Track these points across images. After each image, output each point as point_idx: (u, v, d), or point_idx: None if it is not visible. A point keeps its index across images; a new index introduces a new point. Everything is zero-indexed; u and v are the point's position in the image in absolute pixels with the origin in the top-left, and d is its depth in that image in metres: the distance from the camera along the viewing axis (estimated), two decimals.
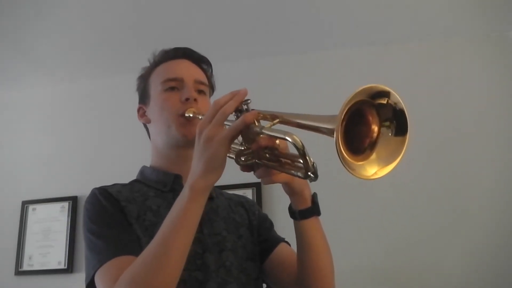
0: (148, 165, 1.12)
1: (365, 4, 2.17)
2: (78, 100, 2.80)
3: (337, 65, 2.51)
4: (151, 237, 0.79)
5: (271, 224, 1.14)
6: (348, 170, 0.65)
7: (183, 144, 1.01)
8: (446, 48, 2.43)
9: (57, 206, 2.56)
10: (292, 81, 2.54)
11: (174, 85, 1.04)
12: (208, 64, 1.14)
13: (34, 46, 2.43)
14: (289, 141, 0.71)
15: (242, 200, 1.14)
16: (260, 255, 1.04)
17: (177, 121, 1.00)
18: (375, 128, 0.70)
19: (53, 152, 2.71)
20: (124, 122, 2.68)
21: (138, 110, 1.15)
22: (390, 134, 0.70)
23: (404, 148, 0.68)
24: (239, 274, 0.95)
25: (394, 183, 2.13)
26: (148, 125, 1.13)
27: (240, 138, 0.81)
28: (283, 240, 1.09)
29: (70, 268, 2.43)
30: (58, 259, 2.46)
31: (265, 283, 1.06)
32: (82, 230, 0.94)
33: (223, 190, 1.17)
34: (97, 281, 0.84)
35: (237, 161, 0.82)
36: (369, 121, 0.70)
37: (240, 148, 0.84)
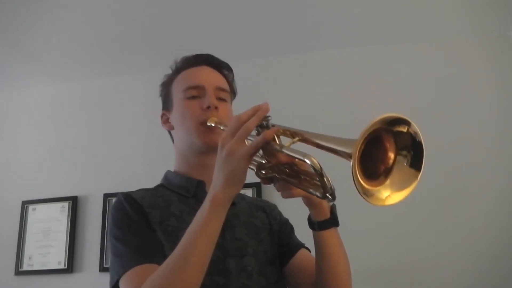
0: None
1: (365, 5, 2.17)
2: (78, 100, 2.80)
3: (337, 65, 2.51)
4: (174, 243, 0.82)
5: (291, 229, 1.16)
6: (362, 196, 0.66)
7: (205, 151, 1.03)
8: (446, 48, 2.43)
9: (57, 206, 2.56)
10: (292, 82, 2.54)
11: (195, 93, 1.06)
12: (229, 69, 1.15)
13: (34, 46, 2.43)
14: (308, 163, 0.74)
15: (263, 205, 1.16)
16: (280, 260, 1.07)
17: (198, 129, 1.02)
18: (391, 155, 0.72)
19: (53, 152, 2.71)
20: (124, 122, 2.69)
21: (161, 116, 1.16)
22: (405, 163, 0.71)
23: (417, 181, 0.71)
24: (259, 278, 0.97)
25: None
26: (171, 131, 1.15)
27: (261, 151, 0.84)
28: (303, 245, 1.11)
29: (70, 268, 2.43)
30: (58, 259, 2.47)
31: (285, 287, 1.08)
32: (107, 235, 0.97)
33: (245, 194, 1.19)
34: (121, 286, 0.87)
35: (258, 174, 0.85)
36: (386, 148, 0.72)
37: (261, 161, 0.86)
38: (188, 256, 0.78)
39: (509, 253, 2.05)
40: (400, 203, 2.25)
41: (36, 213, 2.58)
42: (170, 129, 1.14)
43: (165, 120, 1.15)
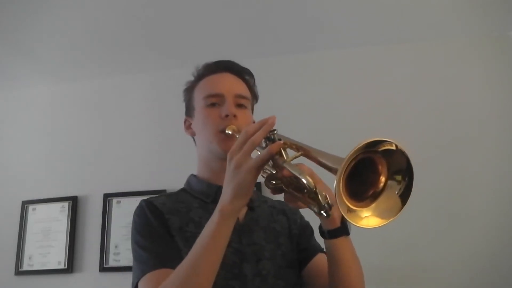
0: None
1: (365, 5, 2.16)
2: (79, 100, 2.80)
3: (337, 65, 2.51)
4: (191, 248, 0.86)
5: (311, 232, 1.17)
6: (342, 212, 0.67)
7: (225, 158, 1.05)
8: (446, 48, 2.43)
9: (57, 206, 2.56)
10: (292, 82, 2.54)
11: (215, 101, 1.09)
12: (250, 75, 1.18)
13: (34, 46, 2.43)
14: (303, 182, 0.77)
15: (284, 208, 1.18)
16: (299, 263, 1.09)
17: (217, 137, 1.05)
18: (382, 179, 0.73)
19: (53, 152, 2.72)
20: (124, 122, 2.69)
21: (185, 122, 1.20)
22: (396, 192, 0.72)
23: (398, 215, 0.71)
24: (276, 281, 1.00)
25: None
26: (194, 137, 1.18)
27: (271, 162, 0.87)
28: (321, 250, 1.12)
29: (70, 268, 2.43)
30: (58, 259, 2.47)
31: None
32: (130, 240, 1.02)
33: (268, 197, 1.21)
34: None
35: (267, 184, 0.89)
36: (378, 171, 0.73)
37: (272, 171, 0.89)
38: (197, 264, 0.82)
39: (509, 253, 2.05)
40: None
41: (36, 213, 2.58)
42: (192, 135, 1.18)
43: (188, 126, 1.18)
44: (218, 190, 1.05)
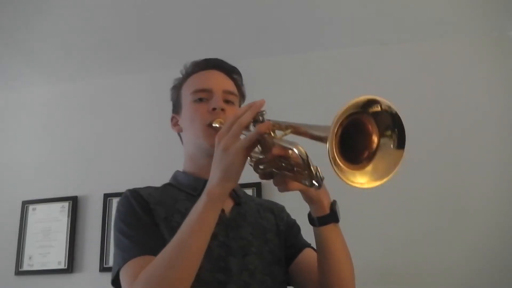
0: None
1: (365, 4, 2.17)
2: (78, 100, 2.80)
3: (336, 65, 2.50)
4: None
5: (298, 229, 1.17)
6: (336, 173, 0.66)
7: (212, 153, 1.05)
8: (446, 48, 2.43)
9: (57, 206, 2.56)
10: (291, 82, 2.54)
11: (203, 96, 1.09)
12: (238, 74, 1.18)
13: (34, 46, 2.43)
14: (295, 152, 0.75)
15: (271, 206, 1.18)
16: (286, 260, 1.08)
17: (205, 131, 1.04)
18: (375, 138, 0.72)
19: (53, 152, 2.71)
20: (125, 122, 2.69)
21: (171, 119, 1.20)
22: (392, 145, 0.71)
23: (399, 164, 0.70)
24: (264, 277, 0.98)
25: (393, 183, 2.12)
26: (180, 133, 1.18)
27: (259, 147, 0.85)
28: (308, 245, 1.11)
29: (70, 268, 2.43)
30: (58, 259, 2.46)
31: (290, 286, 1.08)
32: (113, 229, 0.99)
33: (254, 196, 1.20)
34: (121, 277, 0.90)
35: (256, 169, 0.87)
36: (369, 131, 0.72)
37: (259, 156, 0.87)
38: (183, 247, 0.80)
39: (509, 251, 2.05)
40: (399, 202, 2.26)
41: (36, 213, 2.58)
42: (179, 131, 1.17)
43: (175, 123, 1.18)
44: (205, 183, 1.02)
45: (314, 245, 1.02)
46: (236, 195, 1.09)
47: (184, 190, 1.07)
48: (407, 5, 2.17)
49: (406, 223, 2.16)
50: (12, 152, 2.78)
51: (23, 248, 2.53)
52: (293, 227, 1.16)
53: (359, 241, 2.16)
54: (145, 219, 0.96)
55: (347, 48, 2.50)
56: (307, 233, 1.00)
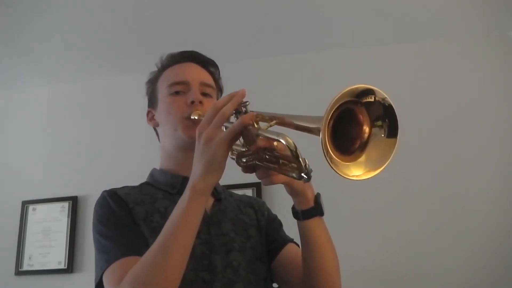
0: (156, 166, 1.13)
1: (365, 4, 2.17)
2: (78, 100, 2.80)
3: (336, 65, 2.50)
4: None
5: (279, 225, 1.14)
6: (331, 167, 0.64)
7: (190, 146, 1.01)
8: (446, 48, 2.43)
9: (57, 206, 2.56)
10: (291, 82, 2.54)
11: (180, 89, 1.06)
12: (215, 66, 1.15)
13: (33, 46, 2.43)
14: (283, 143, 0.72)
15: (251, 201, 1.15)
16: (268, 256, 1.05)
17: (183, 123, 1.02)
18: (366, 128, 0.70)
19: (53, 152, 2.71)
20: (124, 122, 2.69)
21: (147, 114, 1.17)
22: (383, 135, 0.70)
23: (393, 152, 0.68)
24: (247, 274, 0.96)
25: (393, 182, 2.13)
26: (157, 128, 1.15)
27: (241, 139, 0.82)
28: (291, 240, 1.09)
29: (70, 268, 2.43)
30: (58, 259, 2.47)
31: (274, 283, 1.06)
32: (92, 232, 0.96)
33: (232, 191, 1.18)
34: (105, 280, 0.87)
35: (238, 162, 0.84)
36: (360, 121, 0.70)
37: (241, 149, 0.84)
38: (170, 245, 0.76)
39: (509, 250, 2.05)
40: (399, 202, 2.26)
41: (36, 213, 2.58)
42: (155, 126, 1.14)
43: (151, 118, 1.15)
44: (184, 180, 1.01)
45: (297, 240, 1.00)
46: (216, 191, 1.06)
47: (162, 188, 1.04)
48: (407, 5, 2.17)
49: (406, 223, 2.16)
50: (12, 152, 2.78)
51: (23, 248, 2.53)
52: (274, 222, 1.13)
53: (359, 241, 2.17)
54: (124, 219, 0.93)
55: (347, 48, 2.50)
56: (292, 228, 0.98)
